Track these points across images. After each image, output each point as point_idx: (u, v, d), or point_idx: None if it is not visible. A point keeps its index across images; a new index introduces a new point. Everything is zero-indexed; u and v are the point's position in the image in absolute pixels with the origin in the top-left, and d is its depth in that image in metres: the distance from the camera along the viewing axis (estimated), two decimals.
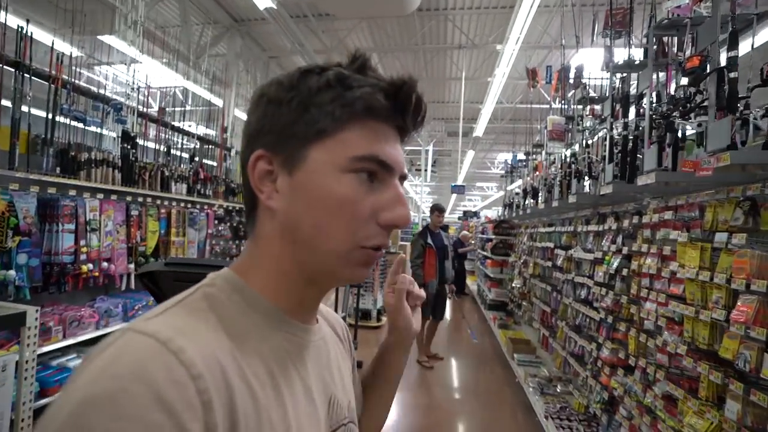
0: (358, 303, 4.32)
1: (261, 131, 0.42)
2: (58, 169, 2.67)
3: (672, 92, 1.62)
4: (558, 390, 3.16)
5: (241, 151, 0.45)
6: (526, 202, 4.27)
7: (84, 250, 2.87)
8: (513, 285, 5.18)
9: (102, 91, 3.28)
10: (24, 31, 2.40)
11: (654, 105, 1.67)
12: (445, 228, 5.34)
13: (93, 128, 3.19)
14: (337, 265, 0.41)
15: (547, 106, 3.61)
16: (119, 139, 3.49)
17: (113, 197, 3.24)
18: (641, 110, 1.81)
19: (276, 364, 0.39)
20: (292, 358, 0.42)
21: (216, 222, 4.85)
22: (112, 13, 4.49)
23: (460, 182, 10.46)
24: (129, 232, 3.53)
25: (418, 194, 15.74)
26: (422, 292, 0.64)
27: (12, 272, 2.21)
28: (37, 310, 1.92)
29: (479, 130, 8.14)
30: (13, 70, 2.34)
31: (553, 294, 3.50)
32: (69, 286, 2.95)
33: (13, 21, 2.38)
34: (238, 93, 6.93)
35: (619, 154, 1.92)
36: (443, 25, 6.52)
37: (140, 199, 3.69)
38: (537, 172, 3.98)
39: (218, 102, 6.42)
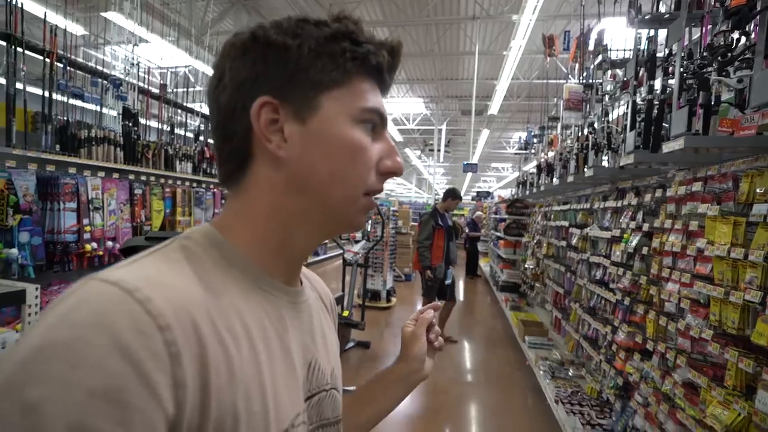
0: (365, 282, 4.26)
1: (260, 76, 0.39)
2: (57, 147, 2.61)
3: (707, 46, 1.42)
4: (570, 374, 3.05)
5: (225, 97, 0.40)
6: (541, 179, 4.07)
7: (87, 228, 2.85)
8: (526, 266, 5.03)
9: (101, 68, 3.19)
10: (14, 2, 2.31)
11: (685, 62, 1.47)
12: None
13: (92, 106, 3.13)
14: (348, 211, 0.42)
15: (564, 81, 3.38)
16: (120, 117, 3.42)
17: (115, 176, 3.19)
18: (670, 69, 1.62)
19: (252, 321, 0.38)
20: (270, 317, 0.40)
21: (223, 201, 4.81)
22: None
23: (472, 161, 10.18)
24: (133, 211, 3.50)
25: (431, 174, 15.49)
26: (440, 340, 0.66)
27: (14, 250, 2.20)
28: (37, 288, 1.89)
29: (494, 107, 7.83)
30: (3, 43, 2.27)
31: (567, 275, 3.35)
32: (74, 265, 2.93)
33: None
34: None
35: (642, 122, 1.74)
36: None
37: (143, 178, 3.64)
38: (552, 147, 3.77)
39: None
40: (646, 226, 2.02)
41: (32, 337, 0.27)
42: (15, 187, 2.21)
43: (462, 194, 4.76)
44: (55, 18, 2.78)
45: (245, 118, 0.39)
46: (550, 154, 3.93)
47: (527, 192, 5.03)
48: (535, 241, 4.72)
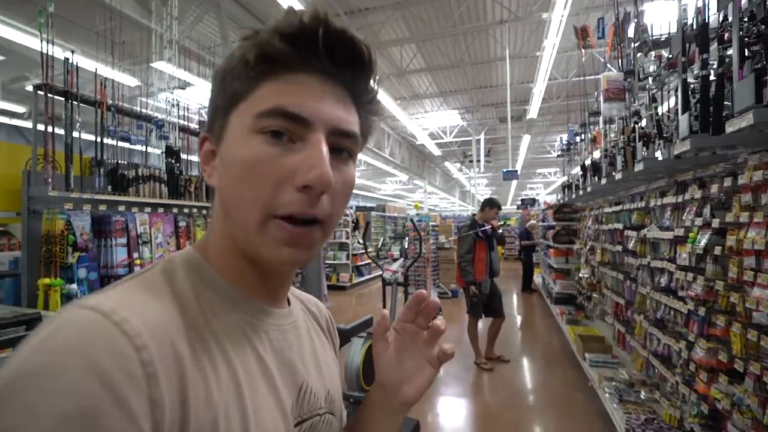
0: (406, 301, 4.09)
1: (207, 117, 0.42)
2: (109, 188, 2.82)
3: None
4: (642, 397, 2.67)
5: None
6: (587, 180, 3.74)
7: (138, 262, 3.00)
8: (580, 275, 4.62)
9: (145, 111, 3.43)
10: (70, 62, 2.54)
11: (745, 24, 1.24)
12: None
13: (138, 147, 3.34)
14: (253, 241, 0.37)
15: (601, 76, 3.12)
16: (163, 155, 3.64)
17: (160, 210, 3.37)
18: (725, 36, 1.38)
19: (231, 344, 0.37)
20: (249, 340, 0.39)
21: None
22: (150, 35, 4.73)
23: (513, 168, 9.78)
24: (179, 243, 3.66)
25: (473, 186, 15.12)
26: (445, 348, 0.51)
27: (74, 286, 2.36)
28: None
29: (533, 111, 7.50)
30: (62, 99, 2.49)
31: (627, 283, 2.99)
32: None
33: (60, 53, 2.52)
34: None
35: (698, 103, 1.49)
36: (480, 2, 6.09)
37: (186, 211, 3.81)
38: (596, 145, 3.46)
39: None
40: (716, 222, 1.73)
41: (10, 366, 0.27)
42: (73, 227, 2.39)
43: (507, 203, 4.41)
44: (104, 70, 3.02)
45: None
46: (595, 153, 3.61)
47: (573, 195, 4.67)
48: (587, 248, 4.34)
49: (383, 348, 0.49)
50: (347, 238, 8.50)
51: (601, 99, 2.59)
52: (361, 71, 0.38)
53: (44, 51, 2.36)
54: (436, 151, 12.97)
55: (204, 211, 3.99)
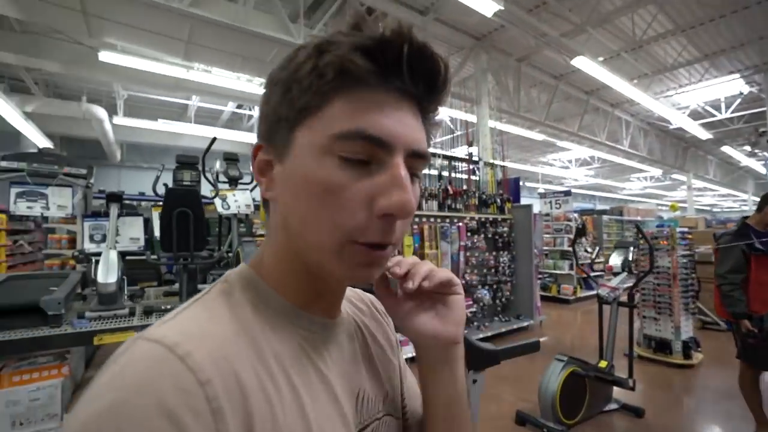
0: (631, 327, 3.28)
1: (260, 121, 0.41)
2: None
3: None
4: None
5: None
6: None
7: None
8: None
9: None
10: None
11: None
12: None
13: None
14: (328, 262, 0.36)
15: None
16: (423, 140, 4.34)
17: None
18: None
19: (292, 363, 0.37)
20: (309, 356, 0.39)
21: (469, 234, 5.02)
22: None
23: None
24: None
25: None
26: (445, 274, 0.45)
27: None
28: None
29: None
30: None
31: None
32: None
33: None
34: (491, 106, 7.07)
35: None
36: None
37: None
38: None
39: (470, 118, 6.78)
40: None
41: (83, 406, 0.29)
42: None
43: None
44: None
45: None
46: None
47: None
48: None
49: (386, 297, 0.47)
50: (569, 245, 7.54)
51: None
52: (436, 89, 0.37)
53: None
54: (704, 134, 9.83)
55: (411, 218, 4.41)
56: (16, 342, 1.87)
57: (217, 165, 5.79)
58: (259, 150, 0.40)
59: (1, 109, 5.99)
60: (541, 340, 2.47)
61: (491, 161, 5.82)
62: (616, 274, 3.46)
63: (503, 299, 5.29)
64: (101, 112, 7.60)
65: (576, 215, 8.32)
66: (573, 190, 8.41)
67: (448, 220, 4.82)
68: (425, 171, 4.32)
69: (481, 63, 6.95)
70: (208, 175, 3.36)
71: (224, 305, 0.37)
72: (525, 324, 5.15)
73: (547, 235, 7.66)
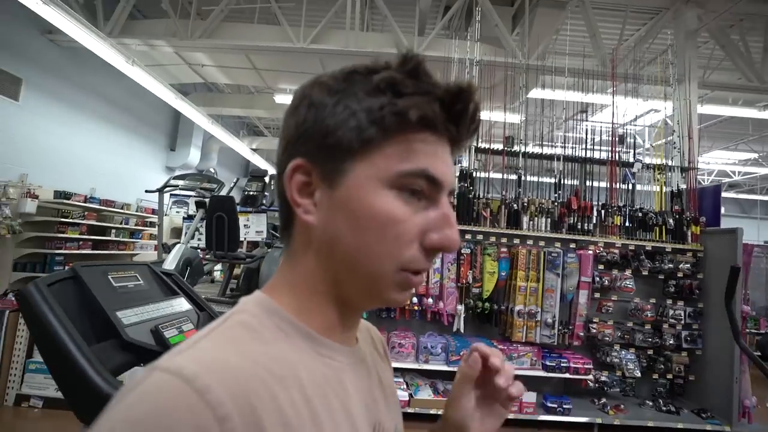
0: None
1: (300, 137, 0.39)
2: None
3: None
4: None
5: (277, 157, 0.42)
6: None
7: None
8: None
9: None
10: None
11: None
12: None
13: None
14: (377, 288, 0.39)
15: None
16: (456, 179, 3.70)
17: None
18: None
19: (314, 391, 0.36)
20: (331, 384, 0.39)
21: (601, 267, 3.50)
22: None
23: None
24: (459, 271, 3.47)
25: None
26: (515, 386, 0.49)
27: None
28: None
29: None
30: None
31: None
32: (396, 315, 3.41)
33: None
34: (696, 80, 4.80)
35: None
36: None
37: (472, 237, 3.57)
38: None
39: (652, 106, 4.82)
40: None
41: None
42: None
43: None
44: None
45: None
46: None
47: None
48: None
49: (466, 390, 0.50)
50: None
51: None
52: (471, 137, 0.41)
53: None
54: None
55: (503, 239, 3.51)
56: None
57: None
58: (299, 168, 0.39)
59: (238, 146, 8.93)
60: None
61: (670, 163, 3.88)
62: None
63: (672, 377, 3.35)
64: None
65: None
66: None
67: (563, 245, 3.53)
68: (531, 177, 3.31)
69: (685, 25, 4.79)
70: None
71: (245, 335, 0.36)
72: (713, 430, 3.07)
73: None
